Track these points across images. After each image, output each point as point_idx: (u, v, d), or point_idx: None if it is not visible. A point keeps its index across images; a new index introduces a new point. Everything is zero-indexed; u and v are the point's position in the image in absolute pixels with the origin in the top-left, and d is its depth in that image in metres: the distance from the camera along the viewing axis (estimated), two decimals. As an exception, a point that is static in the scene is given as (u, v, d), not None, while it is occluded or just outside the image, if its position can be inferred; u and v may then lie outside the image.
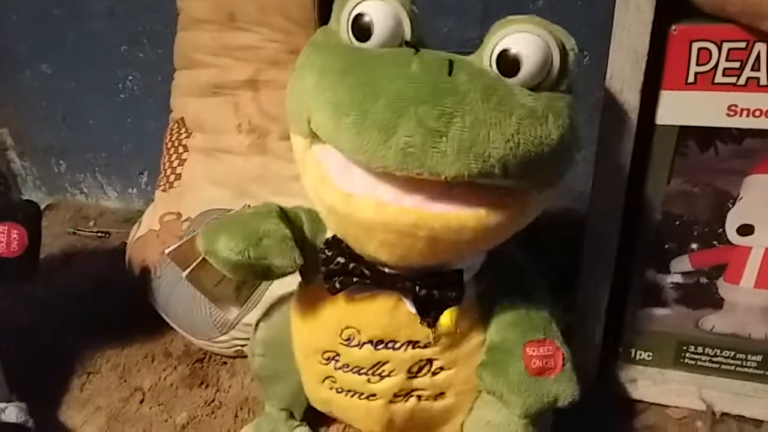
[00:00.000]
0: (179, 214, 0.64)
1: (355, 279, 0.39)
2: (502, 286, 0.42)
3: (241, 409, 0.55)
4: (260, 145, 0.61)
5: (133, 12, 0.75)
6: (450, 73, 0.33)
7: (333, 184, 0.35)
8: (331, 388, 0.44)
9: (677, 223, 0.47)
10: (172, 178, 0.66)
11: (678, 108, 0.43)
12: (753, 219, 0.46)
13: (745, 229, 0.46)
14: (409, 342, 0.41)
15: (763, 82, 0.41)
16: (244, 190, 0.62)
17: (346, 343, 0.42)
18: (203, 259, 0.41)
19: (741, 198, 0.45)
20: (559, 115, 0.34)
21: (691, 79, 0.42)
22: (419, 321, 0.39)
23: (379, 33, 0.35)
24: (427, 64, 0.33)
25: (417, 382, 0.42)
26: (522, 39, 0.33)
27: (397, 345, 0.41)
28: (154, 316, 0.62)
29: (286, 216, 0.42)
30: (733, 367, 0.52)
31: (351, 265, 0.39)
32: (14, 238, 0.50)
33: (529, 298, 0.42)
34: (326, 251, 0.40)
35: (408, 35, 0.35)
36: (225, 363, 0.60)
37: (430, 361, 0.42)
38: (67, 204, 0.94)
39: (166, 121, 0.68)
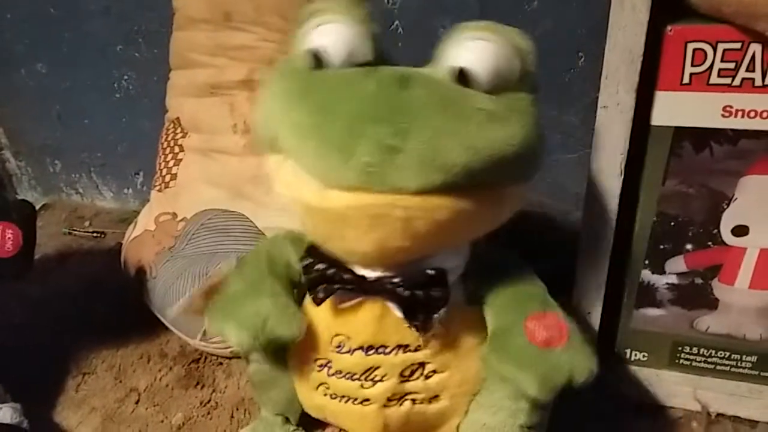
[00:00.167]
0: (175, 214, 0.64)
1: (337, 286, 0.39)
2: (490, 281, 0.42)
3: (237, 409, 0.55)
4: (256, 146, 0.61)
5: (128, 11, 0.74)
6: (406, 88, 0.33)
7: (306, 180, 0.35)
8: (325, 395, 0.44)
9: (672, 223, 0.47)
10: (167, 178, 0.65)
11: (673, 109, 0.43)
12: (748, 220, 0.46)
13: (740, 230, 0.46)
14: (399, 346, 0.41)
15: (758, 83, 0.41)
16: (240, 190, 0.62)
17: (337, 350, 0.42)
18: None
19: (736, 199, 0.45)
20: (522, 113, 0.34)
21: (686, 79, 0.42)
22: (407, 325, 0.39)
23: (336, 56, 0.35)
24: (383, 82, 0.33)
25: (410, 385, 0.42)
26: (476, 47, 0.34)
27: (388, 350, 0.41)
28: (149, 316, 0.62)
29: (275, 262, 0.44)
30: (728, 368, 0.52)
31: (331, 271, 0.39)
32: (9, 237, 0.50)
33: (520, 279, 0.42)
34: (306, 258, 0.40)
35: (369, 54, 0.36)
36: (221, 363, 0.60)
37: (422, 365, 0.42)
38: (63, 204, 0.94)
39: (162, 121, 0.68)
